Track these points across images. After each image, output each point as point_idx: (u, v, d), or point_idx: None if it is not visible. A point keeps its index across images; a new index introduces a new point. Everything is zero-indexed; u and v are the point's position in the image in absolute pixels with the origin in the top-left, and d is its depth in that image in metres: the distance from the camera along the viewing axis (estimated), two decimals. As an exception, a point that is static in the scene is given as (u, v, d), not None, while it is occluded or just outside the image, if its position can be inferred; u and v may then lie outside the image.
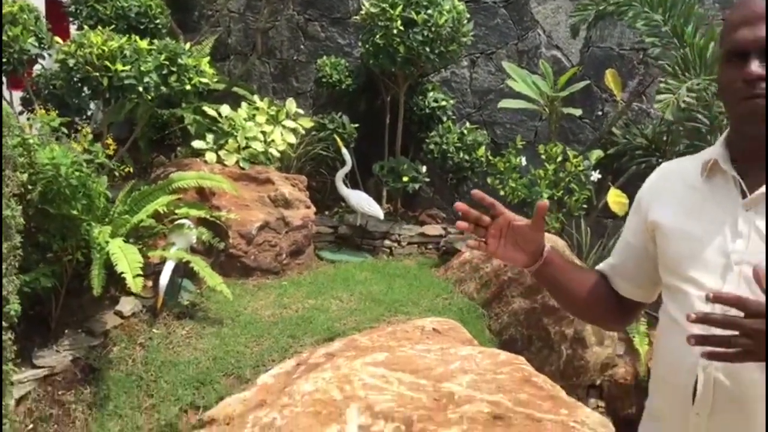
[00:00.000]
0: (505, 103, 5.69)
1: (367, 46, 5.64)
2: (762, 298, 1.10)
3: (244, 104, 5.60)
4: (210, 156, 5.07)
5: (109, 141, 4.45)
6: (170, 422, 3.38)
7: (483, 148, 5.88)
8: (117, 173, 4.26)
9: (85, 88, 4.29)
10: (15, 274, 2.87)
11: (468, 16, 5.77)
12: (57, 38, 4.74)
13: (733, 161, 1.34)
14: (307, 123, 5.75)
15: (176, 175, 4.39)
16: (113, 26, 4.86)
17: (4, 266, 2.72)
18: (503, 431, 2.53)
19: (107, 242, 3.53)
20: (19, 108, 5.26)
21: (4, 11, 4.31)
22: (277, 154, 5.40)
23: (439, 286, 4.88)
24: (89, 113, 5.27)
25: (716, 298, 1.11)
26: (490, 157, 5.85)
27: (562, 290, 1.58)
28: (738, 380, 1.25)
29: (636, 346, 4.64)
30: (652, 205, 1.47)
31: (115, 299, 3.98)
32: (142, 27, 5.23)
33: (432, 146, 5.88)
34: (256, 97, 5.75)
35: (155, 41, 4.49)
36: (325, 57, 6.26)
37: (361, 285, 4.75)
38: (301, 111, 5.78)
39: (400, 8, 5.41)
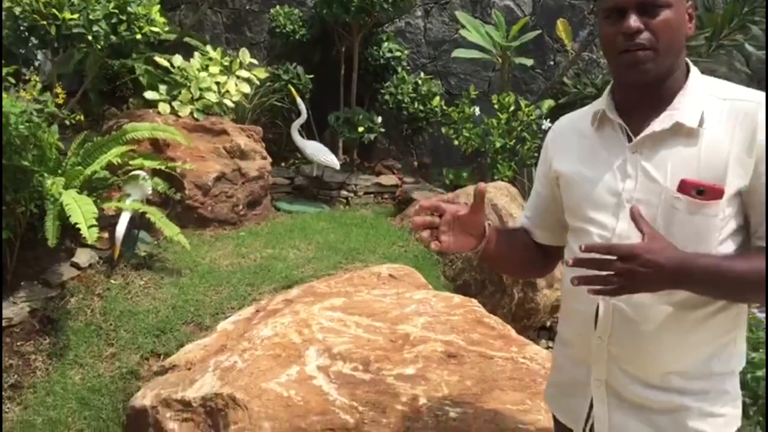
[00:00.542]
0: (459, 53, 5.73)
1: (320, -6, 5.60)
2: (652, 234, 1.25)
3: (197, 54, 5.52)
4: (163, 107, 5.01)
5: (59, 90, 4.36)
6: (131, 369, 3.43)
7: (437, 98, 5.93)
8: (68, 122, 4.19)
9: (33, 38, 4.20)
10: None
11: (422, -36, 5.76)
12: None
13: (619, 110, 1.46)
14: (262, 74, 5.70)
15: (129, 126, 4.34)
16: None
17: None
18: (456, 368, 2.63)
19: (60, 193, 3.51)
20: (-38, 59, 5.09)
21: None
22: (232, 105, 5.37)
23: (395, 234, 4.97)
24: (37, 64, 5.13)
25: (588, 249, 1.25)
26: (445, 108, 5.90)
27: (501, 260, 1.69)
28: (633, 305, 1.39)
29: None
30: (554, 156, 1.60)
31: (71, 251, 3.98)
32: (89, -26, 5.08)
33: (387, 97, 5.91)
34: (208, 47, 5.68)
35: (104, -11, 4.38)
36: (278, 6, 6.19)
37: (318, 234, 4.81)
38: (255, 62, 5.72)
39: (353, -44, 5.37)
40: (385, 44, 6.10)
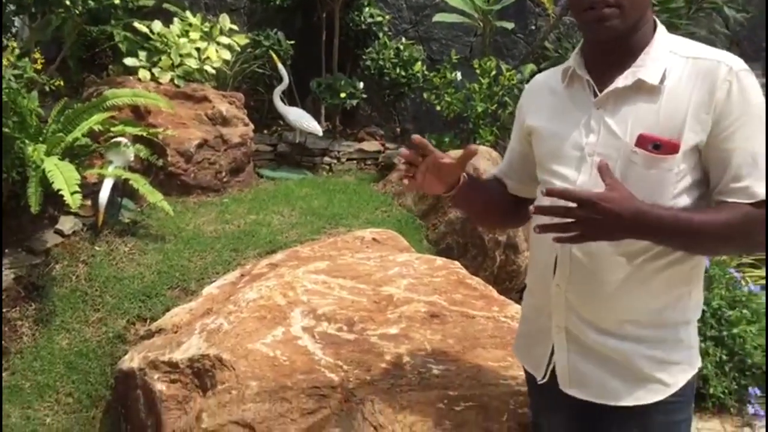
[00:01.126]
0: (440, 17, 5.72)
1: (300, -42, 5.54)
2: (613, 185, 1.30)
3: (176, 20, 5.46)
4: (143, 74, 4.97)
5: (38, 56, 4.32)
6: (118, 334, 3.46)
7: (419, 63, 5.92)
8: (48, 88, 4.16)
9: (10, 4, 4.13)
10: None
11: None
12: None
13: (588, 67, 1.50)
14: (242, 40, 5.65)
15: (110, 92, 4.30)
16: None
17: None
18: (439, 327, 2.68)
19: (42, 160, 3.50)
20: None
21: None
22: (213, 72, 5.33)
23: (378, 199, 5.00)
24: (14, 30, 5.06)
25: (549, 193, 1.30)
26: (426, 73, 5.90)
27: (475, 205, 1.76)
28: (589, 253, 1.45)
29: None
30: (527, 112, 1.65)
31: (54, 218, 3.97)
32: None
33: (369, 62, 5.90)
34: (188, 13, 5.61)
35: (80, -48, 4.32)
36: (257, -29, 6.12)
37: (301, 200, 4.83)
38: (235, 27, 5.67)
39: None
40: (367, 9, 6.07)
